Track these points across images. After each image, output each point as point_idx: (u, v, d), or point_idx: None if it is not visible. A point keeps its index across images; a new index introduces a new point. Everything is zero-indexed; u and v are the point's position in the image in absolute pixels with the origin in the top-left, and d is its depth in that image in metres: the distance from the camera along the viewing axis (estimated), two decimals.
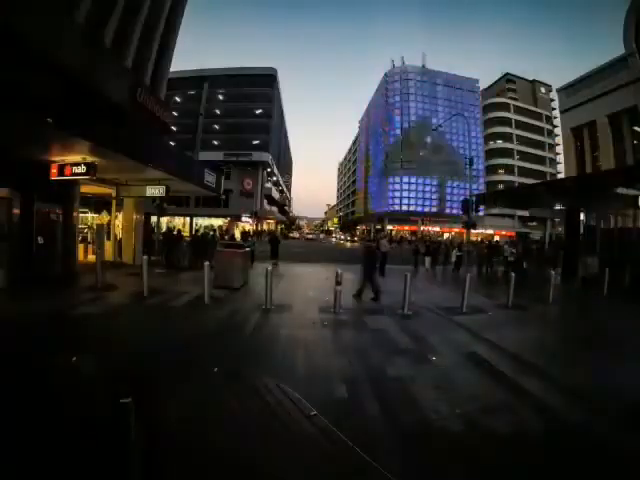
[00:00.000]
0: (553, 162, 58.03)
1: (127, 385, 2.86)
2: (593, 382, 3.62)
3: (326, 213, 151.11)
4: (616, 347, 5.04)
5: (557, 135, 55.05)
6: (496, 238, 35.29)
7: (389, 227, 55.65)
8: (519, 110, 57.09)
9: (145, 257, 7.44)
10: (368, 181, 71.13)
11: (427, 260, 15.27)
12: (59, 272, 7.97)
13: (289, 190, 75.69)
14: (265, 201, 43.08)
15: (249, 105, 41.59)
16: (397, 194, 57.61)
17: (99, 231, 11.37)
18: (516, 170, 55.22)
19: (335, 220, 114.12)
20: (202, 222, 37.33)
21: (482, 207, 26.91)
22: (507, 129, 56.47)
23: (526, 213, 29.77)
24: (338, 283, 6.41)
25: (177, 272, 10.46)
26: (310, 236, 53.08)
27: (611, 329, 6.15)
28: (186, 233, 23.95)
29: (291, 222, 70.24)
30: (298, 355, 4.15)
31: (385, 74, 62.23)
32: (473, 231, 17.25)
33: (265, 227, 46.08)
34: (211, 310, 6.21)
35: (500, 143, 56.58)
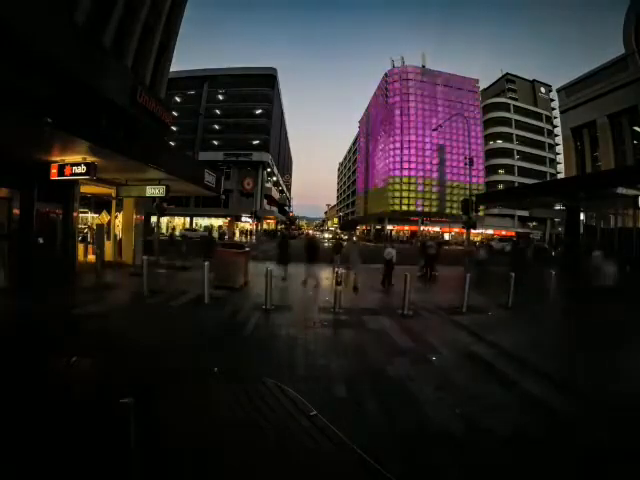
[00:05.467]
0: (553, 162, 58.01)
1: (127, 385, 2.86)
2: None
3: (326, 213, 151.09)
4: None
5: (557, 135, 55.06)
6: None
7: (389, 227, 55.64)
8: (519, 110, 57.04)
9: (145, 257, 7.44)
10: (368, 181, 71.16)
11: None
12: (59, 272, 7.96)
13: (289, 190, 75.60)
14: (265, 201, 43.06)
15: (249, 105, 41.57)
16: (397, 194, 57.60)
17: (99, 231, 11.35)
18: (516, 170, 55.19)
19: (335, 220, 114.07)
20: (202, 222, 37.35)
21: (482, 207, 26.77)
22: (507, 129, 56.42)
23: (526, 213, 29.76)
24: (338, 283, 6.42)
25: (177, 272, 10.47)
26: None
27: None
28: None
29: (291, 222, 70.15)
30: (298, 355, 4.15)
31: (385, 74, 62.21)
32: (473, 231, 17.26)
33: (265, 226, 46.07)
34: (211, 310, 6.21)
35: (500, 143, 56.53)
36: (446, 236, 51.62)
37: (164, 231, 23.77)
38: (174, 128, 29.17)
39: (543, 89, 62.02)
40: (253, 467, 2.14)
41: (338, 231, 69.28)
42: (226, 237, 27.30)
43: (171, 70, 14.64)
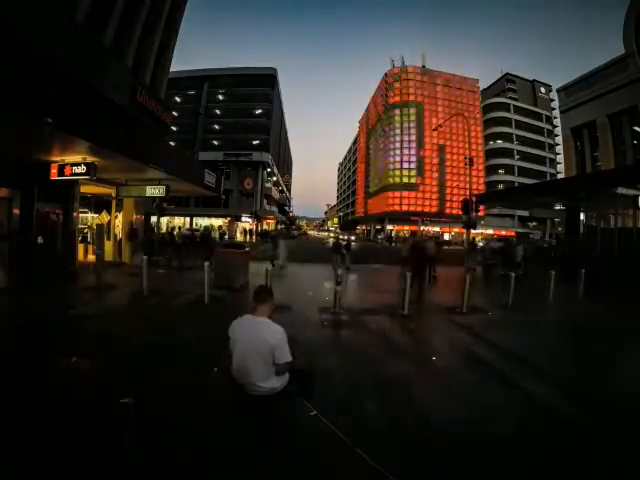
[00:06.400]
0: (553, 162, 58.01)
1: (127, 385, 2.86)
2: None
3: (326, 213, 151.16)
4: None
5: (557, 135, 55.04)
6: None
7: (389, 227, 55.64)
8: (519, 110, 57.04)
9: (145, 257, 7.44)
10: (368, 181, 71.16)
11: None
12: (59, 272, 7.96)
13: (289, 190, 75.58)
14: (265, 201, 43.02)
15: (249, 105, 41.54)
16: (397, 194, 57.57)
17: (99, 231, 11.36)
18: (516, 170, 55.19)
19: (335, 220, 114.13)
20: (202, 222, 37.34)
21: (482, 207, 26.67)
22: (507, 129, 56.41)
23: (526, 213, 29.75)
24: (338, 283, 6.42)
25: (177, 272, 10.48)
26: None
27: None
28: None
29: (291, 222, 70.13)
30: (297, 354, 4.14)
31: (385, 74, 62.22)
32: (473, 231, 17.26)
33: (265, 226, 46.05)
34: (211, 310, 6.21)
35: (500, 143, 56.52)
36: (446, 236, 51.60)
37: (163, 230, 23.79)
38: (174, 128, 29.14)
39: (543, 89, 62.02)
40: (253, 468, 2.14)
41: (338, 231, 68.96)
42: (226, 237, 27.35)
43: (171, 70, 14.66)
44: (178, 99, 37.58)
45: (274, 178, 47.67)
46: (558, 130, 49.54)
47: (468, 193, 17.43)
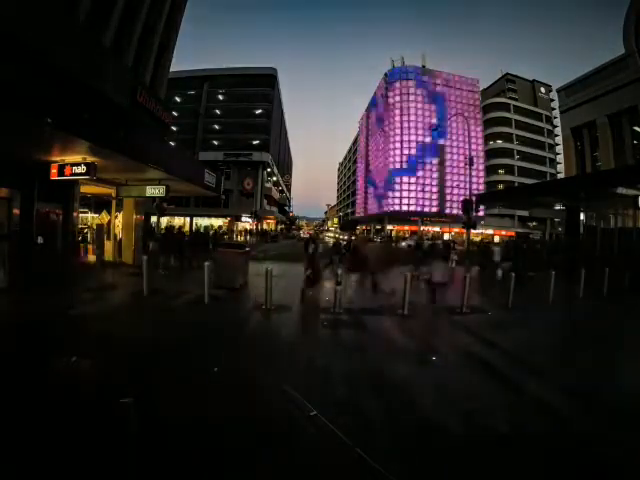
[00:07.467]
0: (553, 162, 57.98)
1: (127, 385, 2.86)
2: None
3: (326, 213, 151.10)
4: None
5: (557, 135, 55.02)
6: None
7: (389, 227, 55.62)
8: (519, 110, 57.01)
9: (145, 257, 7.44)
10: (368, 181, 71.16)
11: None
12: (59, 272, 7.96)
13: (289, 190, 75.54)
14: (265, 201, 43.02)
15: (249, 105, 41.55)
16: (397, 194, 57.54)
17: (99, 231, 11.36)
18: (516, 170, 55.15)
19: (335, 220, 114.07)
20: (202, 222, 37.33)
21: (482, 207, 26.67)
22: (507, 129, 56.38)
23: (526, 213, 29.77)
24: (338, 283, 6.42)
25: (177, 272, 10.48)
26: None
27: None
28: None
29: (291, 222, 70.13)
30: (297, 355, 4.15)
31: (385, 74, 62.20)
32: (473, 231, 17.24)
33: (265, 226, 46.01)
34: (211, 310, 6.21)
35: (500, 143, 56.49)
36: (446, 236, 51.57)
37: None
38: (174, 128, 29.14)
39: (543, 89, 61.99)
40: (253, 468, 2.14)
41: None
42: (226, 237, 27.38)
43: (171, 70, 14.66)
44: (178, 99, 37.57)
45: (274, 178, 47.68)
46: (558, 130, 49.52)
47: (468, 193, 17.42)
